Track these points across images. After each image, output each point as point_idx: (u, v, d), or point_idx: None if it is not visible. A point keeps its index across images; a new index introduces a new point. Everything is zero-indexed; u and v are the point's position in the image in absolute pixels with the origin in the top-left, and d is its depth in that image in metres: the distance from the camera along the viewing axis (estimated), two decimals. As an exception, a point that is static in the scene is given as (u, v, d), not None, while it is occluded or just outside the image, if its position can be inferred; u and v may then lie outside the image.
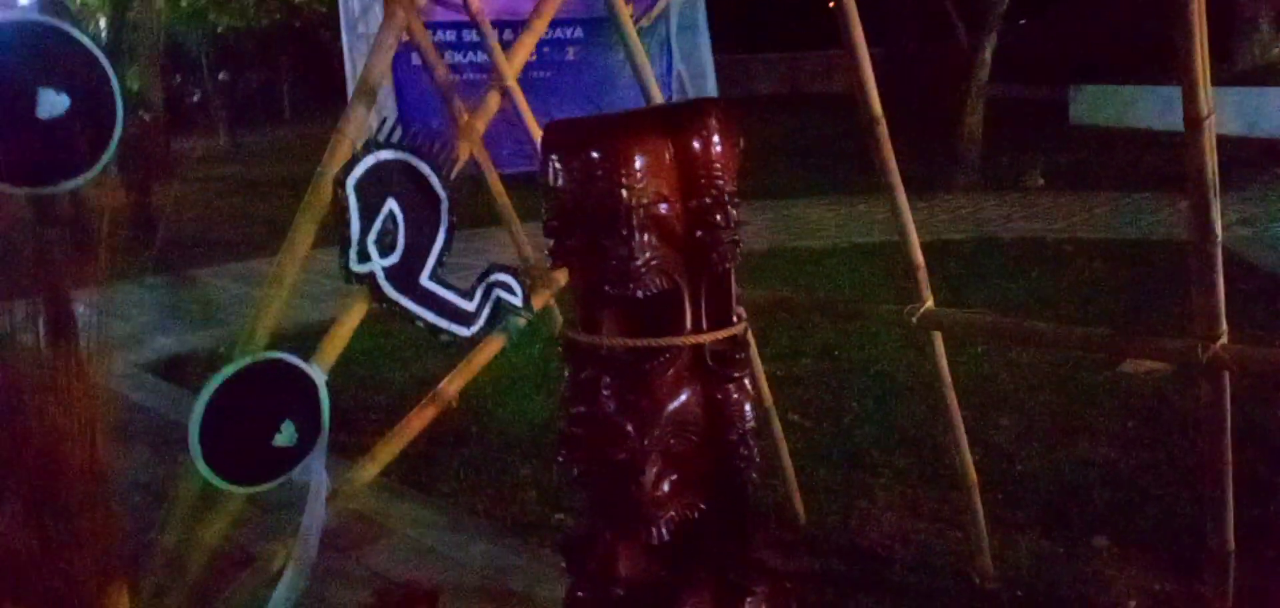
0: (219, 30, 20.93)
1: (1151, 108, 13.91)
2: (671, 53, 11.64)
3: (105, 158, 2.24)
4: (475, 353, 3.24)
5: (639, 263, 1.73)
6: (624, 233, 1.71)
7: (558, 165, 1.78)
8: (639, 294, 1.74)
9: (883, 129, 2.63)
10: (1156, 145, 12.32)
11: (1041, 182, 10.96)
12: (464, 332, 3.11)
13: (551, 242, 1.83)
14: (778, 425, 3.64)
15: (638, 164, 1.73)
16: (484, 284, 3.15)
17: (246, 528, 3.39)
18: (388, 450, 3.08)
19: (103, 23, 12.23)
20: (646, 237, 1.74)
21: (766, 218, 9.92)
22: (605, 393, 1.80)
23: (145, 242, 9.84)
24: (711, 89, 11.61)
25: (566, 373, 1.87)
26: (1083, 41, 17.32)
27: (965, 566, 3.32)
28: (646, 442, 1.78)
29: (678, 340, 1.80)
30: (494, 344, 3.24)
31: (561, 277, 3.01)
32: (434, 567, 3.47)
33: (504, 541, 3.64)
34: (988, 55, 11.02)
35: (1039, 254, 7.80)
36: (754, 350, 3.55)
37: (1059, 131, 14.80)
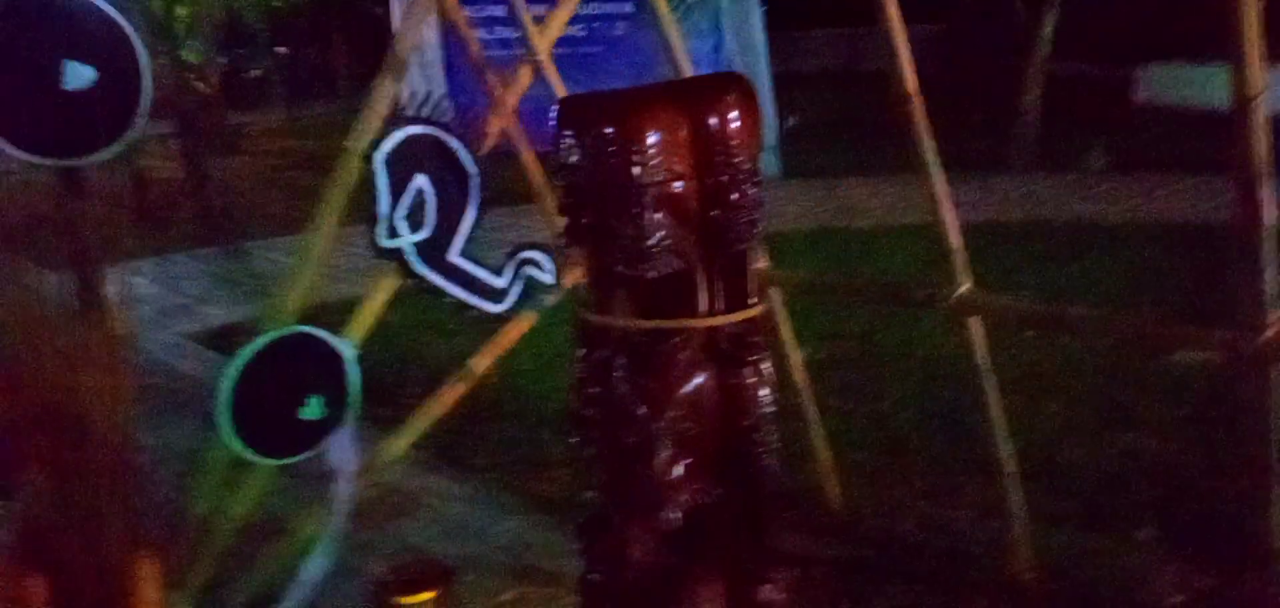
0: (276, 4, 21.22)
1: (1222, 88, 13.44)
2: (722, 28, 11.55)
3: (131, 132, 2.26)
4: (505, 330, 3.24)
5: (651, 243, 1.69)
6: (635, 212, 1.67)
7: (571, 141, 1.74)
8: (651, 275, 1.70)
9: (916, 106, 2.56)
10: (1226, 127, 11.88)
11: (1102, 163, 10.65)
12: (493, 308, 3.12)
13: (565, 220, 1.80)
14: (813, 409, 3.58)
15: (651, 140, 1.69)
16: (514, 261, 3.15)
17: (280, 497, 3.45)
18: (418, 426, 3.11)
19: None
20: (659, 216, 1.70)
21: (815, 197, 9.79)
22: (617, 375, 1.77)
23: (199, 213, 10.06)
24: (763, 65, 11.54)
25: (579, 353, 1.85)
26: (1149, 18, 16.76)
27: (1003, 557, 3.23)
28: (658, 425, 1.75)
29: (691, 323, 1.76)
30: (524, 321, 3.24)
31: (590, 254, 2.99)
32: (463, 542, 3.49)
33: (534, 517, 3.64)
34: (1048, 31, 10.71)
35: (1095, 239, 7.58)
36: (790, 332, 3.51)
37: (1122, 112, 14.36)
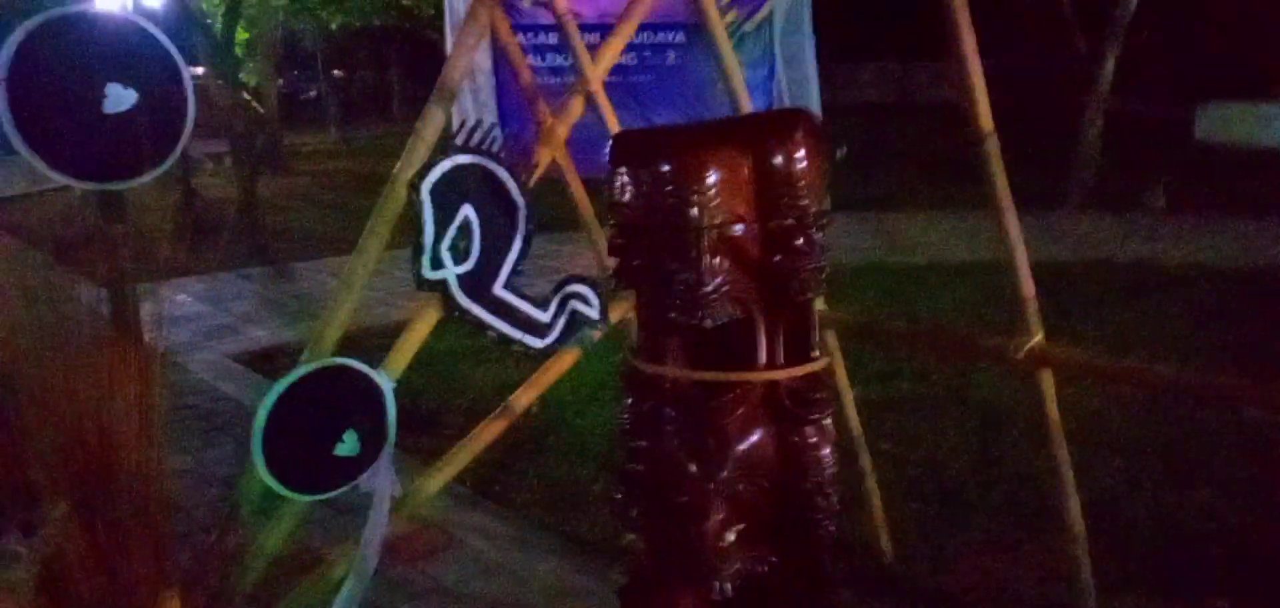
0: (333, 28, 21.55)
1: (1286, 128, 13.05)
2: (775, 57, 11.43)
3: (173, 156, 2.19)
4: (548, 365, 3.13)
5: (709, 289, 1.57)
6: (693, 255, 1.56)
7: (625, 178, 1.64)
8: (707, 323, 1.59)
9: (994, 145, 2.41)
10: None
11: (1162, 203, 10.35)
12: (537, 343, 3.00)
13: (616, 261, 1.69)
14: (866, 456, 3.43)
15: (711, 179, 1.57)
16: (559, 295, 3.04)
17: (314, 529, 3.37)
18: (455, 462, 3.00)
19: (218, 19, 12.64)
20: (718, 260, 1.58)
21: (866, 230, 9.61)
22: (668, 429, 1.65)
23: (249, 233, 10.14)
24: (814, 96, 11.37)
25: (627, 404, 1.73)
26: (1211, 55, 16.35)
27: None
28: (711, 485, 1.62)
29: (750, 376, 1.63)
30: (568, 357, 3.13)
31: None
32: (499, 583, 3.38)
33: (571, 560, 3.52)
34: (1110, 67, 10.45)
35: (1156, 281, 7.32)
36: (842, 373, 3.36)
37: (1183, 151, 14.00)
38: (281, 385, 2.60)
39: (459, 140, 2.78)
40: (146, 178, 2.17)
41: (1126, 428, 4.47)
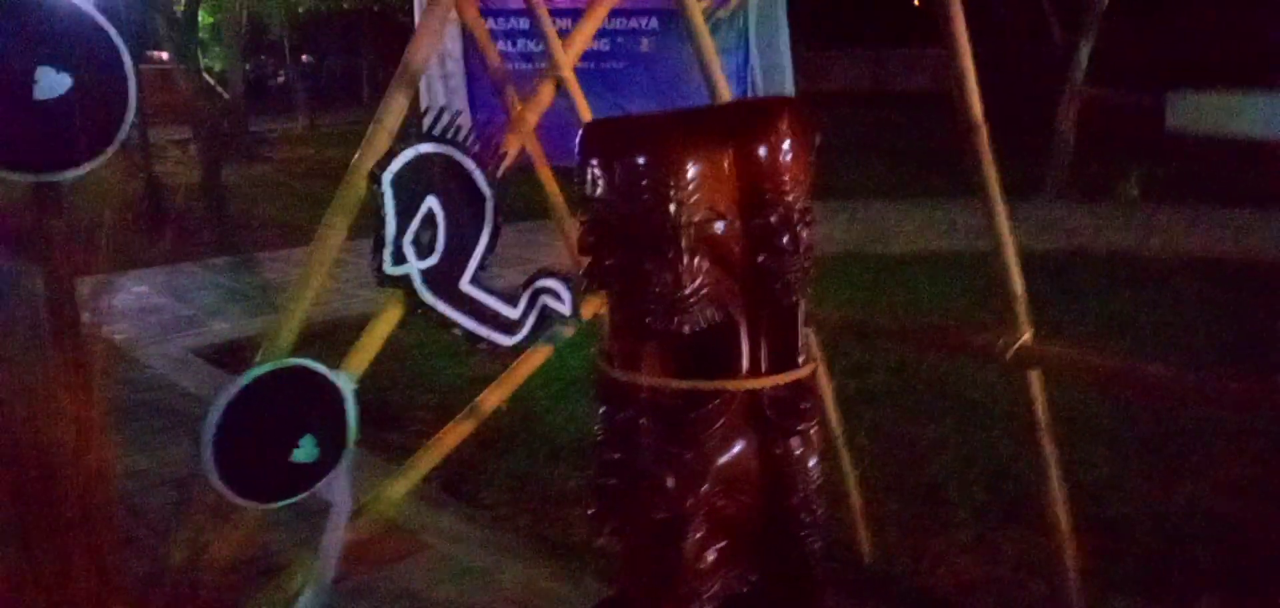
0: (300, 11, 21.19)
1: (1257, 116, 13.10)
2: (749, 45, 11.35)
3: (113, 145, 2.04)
4: (518, 364, 3.01)
5: (687, 291, 1.46)
6: (670, 255, 1.44)
7: (597, 171, 1.52)
8: (685, 328, 1.47)
9: (983, 138, 2.32)
10: (1262, 156, 11.56)
11: (1136, 192, 10.35)
12: (506, 341, 2.88)
13: (587, 260, 1.57)
14: (845, 454, 3.34)
15: (690, 174, 1.46)
16: (530, 290, 2.92)
17: (277, 532, 3.23)
18: (420, 466, 2.88)
19: (181, 2, 12.33)
20: (697, 260, 1.47)
21: (842, 220, 9.54)
22: (644, 441, 1.54)
23: (213, 222, 9.91)
24: (788, 84, 11.32)
25: (600, 413, 1.61)
26: (1181, 44, 16.43)
27: (1051, 624, 2.98)
28: (690, 501, 1.51)
29: (730, 384, 1.52)
30: (539, 355, 3.01)
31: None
32: (466, 588, 3.25)
33: (542, 563, 3.40)
34: (1084, 57, 10.43)
35: (1133, 271, 7.30)
36: (822, 369, 3.26)
37: (1154, 139, 14.05)
38: (234, 387, 2.47)
39: (426, 128, 2.64)
40: (84, 169, 2.01)
41: (1111, 420, 4.42)
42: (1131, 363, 2.57)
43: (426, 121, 2.66)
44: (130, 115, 2.07)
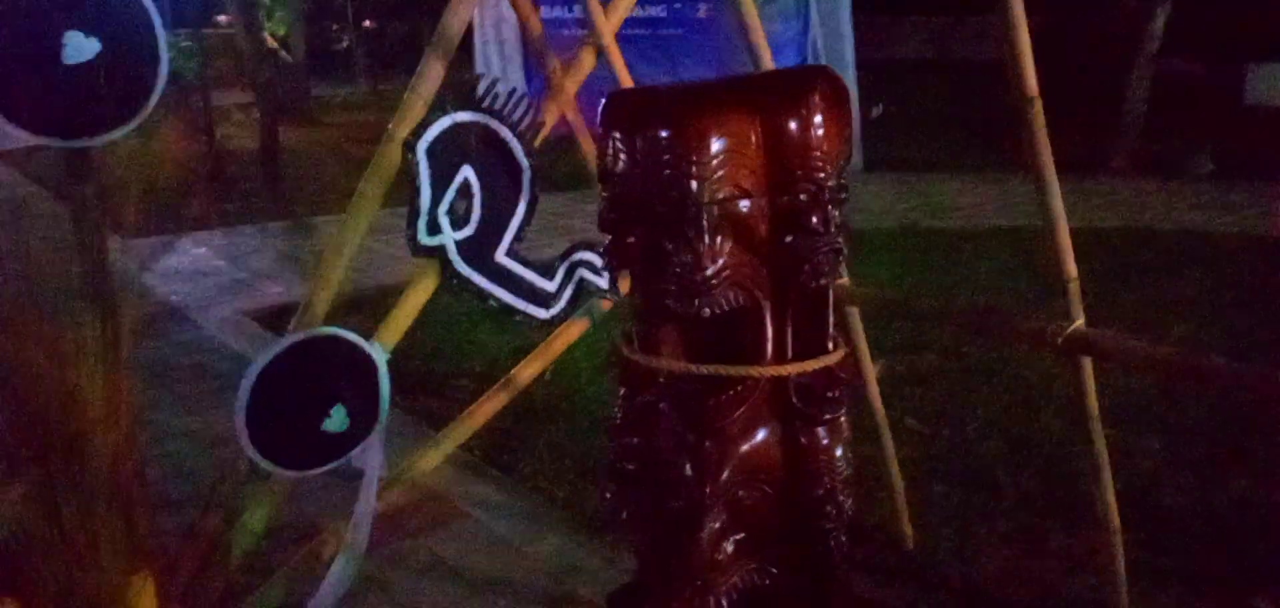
0: (363, -24, 21.33)
1: (1343, 91, 12.51)
2: (810, 11, 11.11)
3: (143, 112, 2.03)
4: (555, 336, 2.98)
5: (708, 273, 1.40)
6: (691, 235, 1.38)
7: (618, 145, 1.46)
8: (706, 312, 1.41)
9: (1038, 111, 2.20)
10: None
11: (1210, 168, 9.96)
12: (542, 314, 2.85)
13: (608, 238, 1.52)
14: (888, 438, 3.25)
15: (714, 148, 1.39)
16: (567, 263, 2.88)
17: (311, 500, 3.25)
18: (454, 437, 2.87)
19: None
20: (720, 240, 1.40)
21: (898, 192, 9.35)
22: (662, 427, 1.48)
23: (271, 186, 10.05)
24: (849, 51, 11.08)
25: (619, 396, 1.56)
26: (1263, 13, 15.70)
27: (1098, 619, 2.87)
28: (708, 490, 1.46)
29: (753, 371, 1.46)
30: (576, 327, 2.97)
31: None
32: (500, 559, 3.25)
33: (578, 536, 3.38)
34: (1159, 25, 10.02)
35: (1202, 251, 7.02)
36: (865, 347, 3.17)
37: (1233, 113, 13.49)
38: (268, 355, 2.47)
39: (483, 101, 2.61)
40: (114, 134, 2.01)
41: (1166, 406, 4.26)
42: (1187, 352, 2.44)
43: (480, 89, 2.63)
44: (161, 82, 2.05)
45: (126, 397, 2.10)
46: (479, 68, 10.15)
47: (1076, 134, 10.33)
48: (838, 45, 10.59)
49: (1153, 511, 3.49)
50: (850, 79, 10.54)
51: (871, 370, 3.18)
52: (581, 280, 2.91)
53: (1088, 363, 2.39)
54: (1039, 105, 2.18)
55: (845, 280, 2.83)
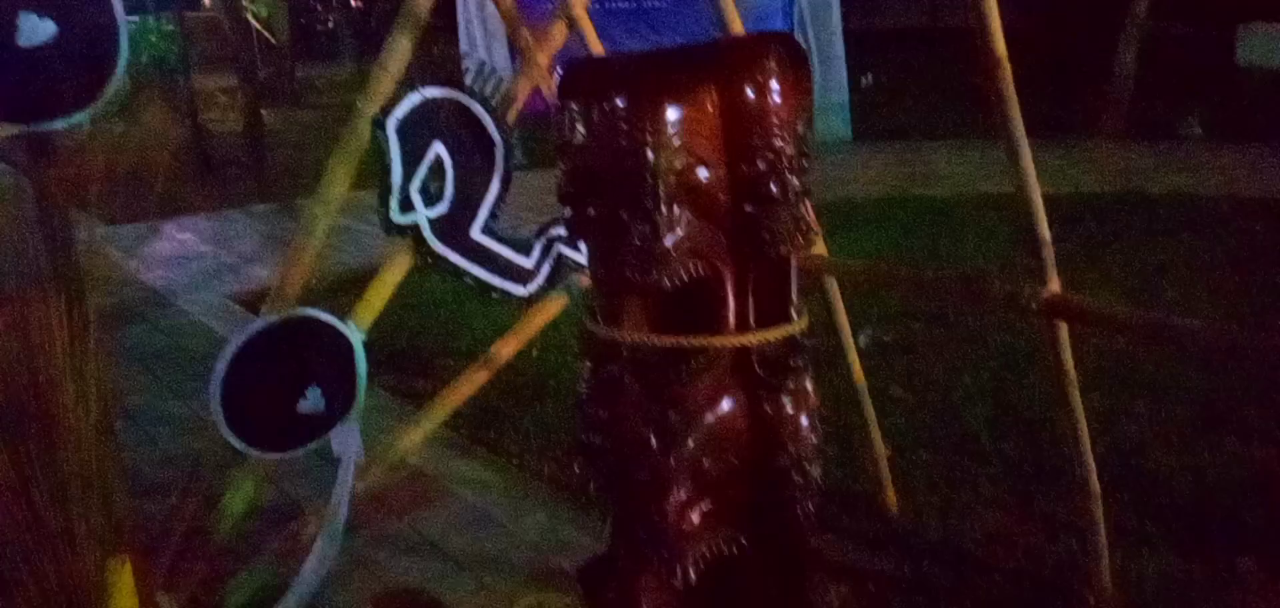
0: (349, -44, 21.16)
1: (1334, 50, 12.46)
2: (795, -22, 10.99)
3: (105, 94, 2.01)
4: (534, 313, 2.97)
5: (666, 243, 1.39)
6: (648, 205, 1.37)
7: (575, 116, 1.44)
8: (665, 283, 1.40)
9: (1005, 74, 2.18)
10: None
11: (1199, 131, 9.93)
12: (520, 291, 2.84)
13: (568, 211, 1.50)
14: (869, 406, 3.25)
15: (671, 117, 1.38)
16: (543, 238, 2.86)
17: (300, 481, 3.26)
18: (434, 415, 2.86)
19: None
20: (677, 210, 1.39)
21: (888, 161, 9.32)
22: (628, 399, 1.48)
23: (256, 169, 9.98)
24: (836, 19, 10.98)
25: (584, 368, 1.55)
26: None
27: (1080, 582, 2.87)
28: (673, 460, 1.45)
29: (716, 341, 1.45)
30: (555, 304, 2.96)
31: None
32: (485, 536, 3.25)
33: (563, 512, 3.38)
34: (1152, -15, 9.95)
35: (1192, 213, 6.99)
36: (844, 319, 3.17)
37: (1223, 75, 13.44)
38: (241, 337, 2.46)
39: (474, 87, 2.59)
40: (75, 118, 1.99)
41: (1154, 371, 4.25)
42: (1162, 315, 2.44)
43: (472, 78, 2.62)
44: (121, 66, 2.03)
45: (97, 380, 2.08)
46: (463, 46, 10.06)
47: (1067, 99, 10.31)
48: (824, 13, 10.52)
49: (1139, 474, 3.49)
50: (837, 48, 10.48)
51: (851, 340, 3.17)
52: (559, 256, 2.90)
53: (1064, 327, 2.38)
54: (1008, 69, 2.16)
55: (821, 251, 2.82)
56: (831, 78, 10.56)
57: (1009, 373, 4.36)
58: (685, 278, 1.42)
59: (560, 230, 2.87)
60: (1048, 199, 2.43)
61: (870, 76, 12.74)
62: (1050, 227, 2.38)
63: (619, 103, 1.39)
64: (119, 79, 2.02)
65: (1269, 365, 3.83)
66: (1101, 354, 4.28)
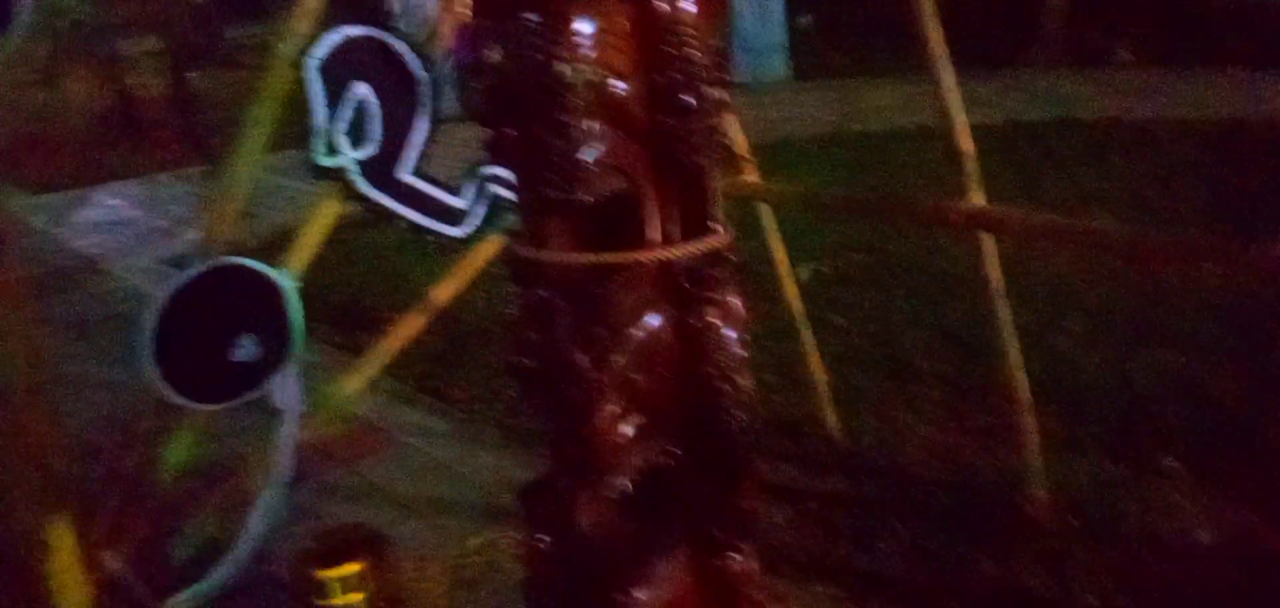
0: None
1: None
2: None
3: None
4: (471, 255, 2.96)
5: (584, 157, 1.39)
6: (563, 120, 1.37)
7: (489, 33, 1.43)
8: (586, 198, 1.41)
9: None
10: (1264, 15, 11.22)
11: (1129, 57, 10.12)
12: (454, 232, 2.83)
13: (486, 133, 1.50)
14: (808, 333, 3.30)
15: (583, 29, 1.37)
16: (476, 179, 2.85)
17: (244, 436, 3.22)
18: (373, 364, 2.86)
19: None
20: (594, 124, 1.39)
21: (828, 100, 9.37)
22: (557, 321, 1.48)
23: (186, 132, 9.73)
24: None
25: (514, 292, 1.56)
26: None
27: (1016, 491, 2.97)
28: (603, 377, 1.46)
29: (639, 255, 1.46)
30: (491, 246, 2.95)
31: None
32: (435, 481, 3.27)
33: (512, 454, 3.39)
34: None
35: (1123, 137, 7.15)
36: (780, 248, 3.21)
37: (1153, 1, 13.64)
38: (171, 288, 2.42)
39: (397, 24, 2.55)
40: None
41: (1085, 289, 4.37)
42: (1081, 222, 2.51)
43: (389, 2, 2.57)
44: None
45: (25, 345, 2.05)
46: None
47: (997, 29, 10.41)
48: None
49: (1071, 386, 3.60)
50: (779, -14, 10.47)
51: (788, 269, 3.21)
52: (494, 197, 2.88)
53: (990, 240, 2.44)
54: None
55: (754, 178, 2.85)
56: (770, 18, 10.54)
57: (944, 298, 4.45)
58: (605, 193, 1.43)
59: (491, 169, 2.85)
60: (981, 128, 2.48)
61: (808, 16, 12.73)
62: (984, 155, 2.43)
63: (531, 18, 1.38)
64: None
65: (1183, 272, 3.95)
66: (1039, 275, 4.38)
